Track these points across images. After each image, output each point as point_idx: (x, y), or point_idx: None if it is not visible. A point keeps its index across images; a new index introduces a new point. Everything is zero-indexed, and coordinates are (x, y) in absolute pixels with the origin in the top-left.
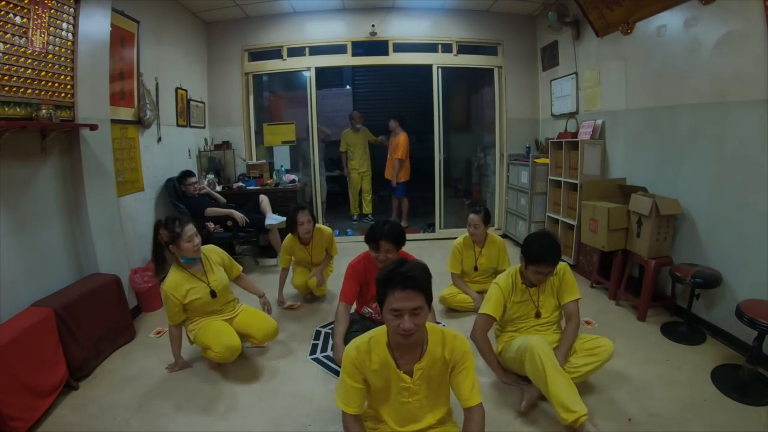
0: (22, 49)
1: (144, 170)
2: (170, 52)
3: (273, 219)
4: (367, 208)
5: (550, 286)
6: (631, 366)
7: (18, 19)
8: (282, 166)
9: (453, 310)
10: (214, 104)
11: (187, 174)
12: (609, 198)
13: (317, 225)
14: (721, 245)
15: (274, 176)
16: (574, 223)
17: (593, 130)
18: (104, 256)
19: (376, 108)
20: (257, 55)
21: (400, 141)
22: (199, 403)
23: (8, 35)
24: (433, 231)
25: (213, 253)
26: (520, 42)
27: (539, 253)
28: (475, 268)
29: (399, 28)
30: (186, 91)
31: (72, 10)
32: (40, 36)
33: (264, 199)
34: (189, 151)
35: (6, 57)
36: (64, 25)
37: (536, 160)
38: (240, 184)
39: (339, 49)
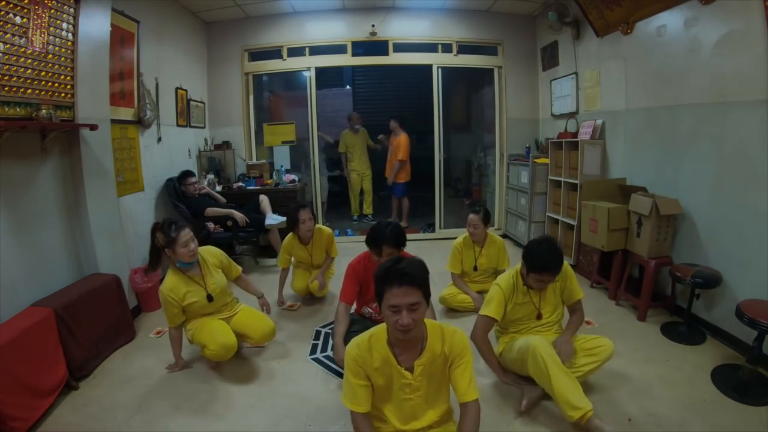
0: (22, 49)
1: (144, 170)
2: (170, 52)
3: (273, 219)
4: (368, 209)
5: (551, 287)
6: (631, 366)
7: (18, 19)
8: (282, 166)
9: (453, 310)
10: (214, 104)
11: (187, 174)
12: (609, 198)
13: (317, 225)
14: (721, 245)
15: (274, 176)
16: (574, 223)
17: (593, 130)
18: (104, 256)
19: (376, 108)
20: (257, 55)
21: (401, 141)
22: (199, 404)
23: (8, 35)
24: (433, 231)
25: (210, 255)
26: (520, 42)
27: (541, 262)
28: (475, 268)
29: (399, 28)
30: (186, 91)
31: (72, 10)
32: (40, 36)
33: (264, 199)
34: (189, 151)
35: (6, 57)
36: (64, 25)
37: (536, 160)
38: (240, 184)
39: (339, 49)
